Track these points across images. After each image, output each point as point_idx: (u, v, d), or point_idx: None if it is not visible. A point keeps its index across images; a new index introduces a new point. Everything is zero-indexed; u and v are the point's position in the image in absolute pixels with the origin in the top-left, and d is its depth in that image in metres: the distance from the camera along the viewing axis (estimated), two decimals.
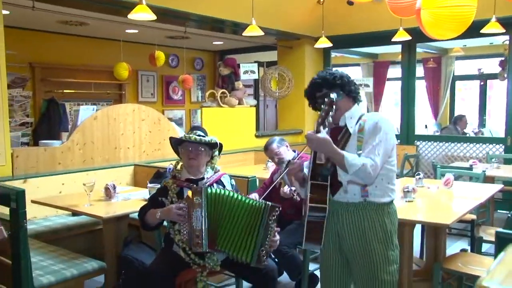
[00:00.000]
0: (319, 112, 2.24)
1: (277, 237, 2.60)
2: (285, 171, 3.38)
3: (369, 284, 2.20)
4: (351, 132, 2.19)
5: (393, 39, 5.47)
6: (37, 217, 4.12)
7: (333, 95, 2.08)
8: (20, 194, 2.24)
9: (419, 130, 8.01)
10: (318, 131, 2.08)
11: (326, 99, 2.08)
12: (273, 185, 3.11)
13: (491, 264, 0.76)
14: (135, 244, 3.44)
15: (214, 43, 8.29)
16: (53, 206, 3.49)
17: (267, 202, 2.57)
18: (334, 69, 2.34)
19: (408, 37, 5.35)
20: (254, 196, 3.51)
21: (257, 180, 3.96)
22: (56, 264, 2.86)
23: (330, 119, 2.10)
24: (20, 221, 2.22)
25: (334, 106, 2.07)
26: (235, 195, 2.65)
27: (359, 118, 2.22)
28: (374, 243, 2.17)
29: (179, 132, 5.38)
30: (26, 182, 3.99)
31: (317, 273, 3.64)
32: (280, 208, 2.58)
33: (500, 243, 0.81)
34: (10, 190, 2.27)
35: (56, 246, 3.28)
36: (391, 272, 2.20)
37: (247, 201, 2.61)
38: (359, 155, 2.13)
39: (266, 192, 2.91)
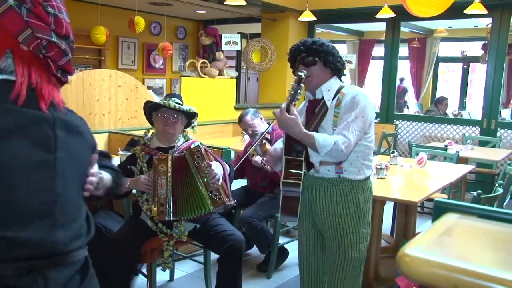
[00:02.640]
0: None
1: (215, 172, 2.57)
2: (257, 142, 3.37)
3: (337, 260, 2.19)
4: (328, 106, 2.12)
5: (377, 16, 5.41)
6: None
7: (301, 73, 2.00)
8: None
9: (399, 109, 8.03)
10: (288, 110, 1.98)
11: (295, 77, 2.00)
12: (245, 155, 3.08)
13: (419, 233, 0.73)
14: (104, 212, 3.40)
15: (197, 11, 8.11)
16: None
17: (185, 151, 2.60)
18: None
19: (392, 14, 5.28)
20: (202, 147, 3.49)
21: (232, 152, 3.92)
22: None
23: (298, 97, 2.02)
24: None
25: (302, 85, 1.99)
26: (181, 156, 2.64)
27: (337, 92, 2.15)
28: (346, 220, 2.16)
29: (157, 100, 5.28)
30: None
31: (288, 246, 3.67)
32: (200, 148, 2.58)
33: (437, 212, 0.78)
34: None
35: None
36: (360, 249, 2.19)
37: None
38: (334, 131, 2.07)
39: (239, 163, 2.89)
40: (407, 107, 10.05)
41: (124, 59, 8.17)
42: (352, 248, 2.17)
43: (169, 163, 2.58)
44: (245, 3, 5.06)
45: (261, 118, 3.63)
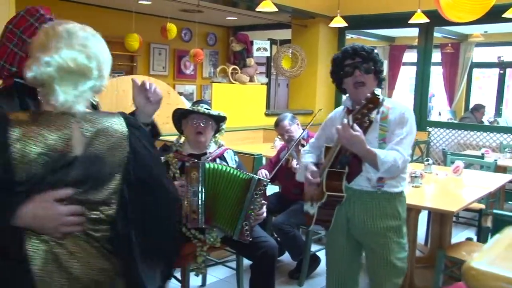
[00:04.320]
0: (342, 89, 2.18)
1: (263, 211, 2.56)
2: (293, 148, 3.36)
3: (381, 271, 2.18)
4: (372, 118, 2.01)
5: (410, 21, 5.33)
6: None
7: (378, 91, 1.84)
8: None
9: (432, 116, 7.88)
10: (352, 127, 1.90)
11: (367, 95, 1.85)
12: (281, 162, 3.07)
13: (484, 246, 0.71)
14: None
15: (227, 18, 8.17)
16: None
17: (255, 176, 2.53)
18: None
19: (425, 20, 5.20)
20: (264, 172, 3.48)
21: (263, 158, 3.91)
22: None
23: (373, 117, 1.90)
24: None
25: (379, 104, 1.84)
26: (231, 170, 2.61)
27: (381, 104, 2.06)
28: (387, 232, 2.14)
29: (188, 106, 5.33)
30: None
31: (320, 254, 3.63)
32: (268, 183, 2.55)
33: (497, 225, 0.76)
34: None
35: None
36: (401, 259, 2.18)
37: (238, 174, 2.56)
38: (379, 144, 2.05)
39: (275, 169, 2.87)
40: (439, 114, 9.85)
41: (155, 65, 8.30)
42: (396, 259, 2.15)
43: (201, 170, 2.57)
44: (276, 9, 5.07)
45: (297, 124, 3.61)
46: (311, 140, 2.49)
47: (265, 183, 2.51)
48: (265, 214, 2.58)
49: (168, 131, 5.07)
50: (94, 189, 1.24)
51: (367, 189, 2.14)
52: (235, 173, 2.58)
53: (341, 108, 2.32)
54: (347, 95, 2.24)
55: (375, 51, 2.15)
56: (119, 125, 1.30)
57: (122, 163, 1.27)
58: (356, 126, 1.90)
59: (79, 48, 1.29)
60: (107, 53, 1.40)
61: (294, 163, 3.37)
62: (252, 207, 2.50)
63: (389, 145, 2.05)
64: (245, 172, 2.65)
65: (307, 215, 2.33)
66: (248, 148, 4.83)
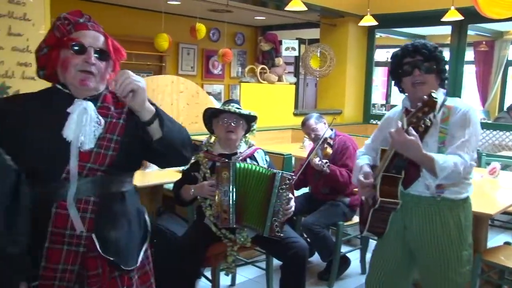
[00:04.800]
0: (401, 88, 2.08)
1: (291, 206, 2.57)
2: (319, 146, 3.33)
3: (438, 284, 2.05)
4: (432, 120, 1.91)
5: (443, 19, 5.21)
6: None
7: (436, 94, 1.73)
8: None
9: None
10: (406, 131, 1.78)
11: (424, 98, 1.74)
12: (306, 161, 3.04)
13: None
14: (168, 215, 3.46)
15: (256, 18, 8.16)
16: None
17: (279, 171, 2.58)
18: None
19: (459, 17, 5.07)
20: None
21: (293, 158, 3.89)
22: None
23: (428, 122, 1.81)
24: None
25: (436, 107, 1.75)
26: (258, 168, 2.63)
27: (442, 104, 1.98)
28: (446, 242, 1.99)
29: (217, 106, 5.35)
30: None
31: (350, 255, 3.58)
32: (293, 177, 2.56)
33: None
34: None
35: None
36: (463, 274, 2.02)
37: (262, 171, 2.61)
38: (439, 148, 1.92)
39: (301, 169, 2.86)
40: None
41: (184, 65, 8.36)
42: (455, 273, 2.00)
43: (231, 170, 2.58)
44: (305, 8, 5.03)
45: (324, 123, 3.58)
46: (367, 141, 2.38)
47: (289, 178, 2.53)
48: (293, 208, 2.58)
49: (196, 130, 5.12)
50: None
51: (425, 195, 2.00)
52: (260, 170, 2.62)
53: (399, 107, 2.18)
54: (406, 94, 2.11)
55: (439, 48, 2.00)
56: None
57: None
58: (411, 130, 1.79)
59: None
60: None
61: (316, 160, 3.32)
62: (279, 202, 2.52)
63: (449, 148, 1.90)
64: (270, 169, 2.67)
65: (360, 220, 2.26)
66: (277, 148, 4.80)
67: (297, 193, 3.57)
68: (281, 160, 3.68)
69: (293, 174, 2.65)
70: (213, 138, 2.89)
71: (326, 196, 3.48)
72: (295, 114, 6.47)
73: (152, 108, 1.49)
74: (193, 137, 4.82)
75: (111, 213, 1.54)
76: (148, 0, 6.72)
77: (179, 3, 6.85)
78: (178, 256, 2.66)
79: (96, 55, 1.51)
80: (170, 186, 3.68)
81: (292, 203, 2.58)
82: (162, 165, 1.83)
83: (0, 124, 1.50)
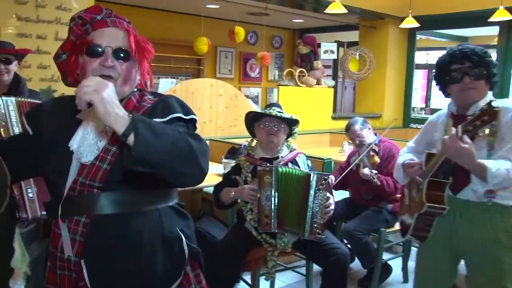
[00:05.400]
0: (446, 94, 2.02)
1: (330, 205, 2.53)
2: (365, 153, 3.26)
3: None
4: (485, 133, 1.83)
5: (491, 19, 5.03)
6: None
7: (497, 103, 1.65)
8: None
9: None
10: (461, 139, 1.73)
11: (483, 106, 1.68)
12: (350, 167, 3.00)
13: None
14: (207, 218, 3.48)
15: (294, 20, 8.13)
16: None
17: (314, 171, 2.55)
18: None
19: (509, 17, 4.88)
20: (330, 178, 3.41)
21: (333, 163, 3.83)
22: None
23: (487, 132, 1.75)
24: None
25: (496, 118, 1.67)
26: (296, 171, 2.61)
27: None
28: (498, 250, 1.91)
29: (256, 109, 5.35)
30: None
31: (392, 263, 3.50)
32: (329, 176, 2.54)
33: None
34: None
35: None
36: None
37: (298, 173, 2.59)
38: (488, 152, 1.86)
39: (344, 173, 2.82)
40: None
41: (221, 68, 8.42)
42: (509, 282, 1.91)
43: (274, 174, 2.57)
44: (345, 11, 4.97)
45: (369, 128, 3.50)
46: (409, 143, 2.35)
47: (325, 177, 2.50)
48: (332, 207, 2.55)
49: (235, 133, 5.14)
50: None
51: (474, 201, 1.93)
52: (296, 172, 2.60)
53: (443, 111, 2.13)
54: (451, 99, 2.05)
55: (488, 53, 1.94)
56: None
57: None
58: (466, 138, 1.73)
59: None
60: None
61: (365, 170, 3.26)
62: (316, 203, 2.49)
63: (500, 151, 1.84)
64: (304, 170, 2.66)
65: (402, 224, 2.21)
66: (315, 152, 4.75)
67: (337, 197, 3.51)
68: (320, 165, 3.64)
69: (328, 174, 2.62)
70: (254, 142, 2.89)
71: (368, 202, 3.41)
72: (333, 118, 6.40)
73: (126, 118, 1.15)
74: (231, 140, 4.85)
75: (104, 238, 1.30)
76: (188, 4, 6.79)
77: (217, 6, 6.89)
78: (218, 259, 2.65)
79: (115, 55, 1.34)
80: (210, 189, 3.71)
81: (331, 202, 2.55)
82: (161, 183, 1.34)
83: (33, 128, 1.43)
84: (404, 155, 2.26)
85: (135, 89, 1.43)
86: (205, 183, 3.39)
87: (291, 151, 2.85)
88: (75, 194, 1.30)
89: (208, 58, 8.05)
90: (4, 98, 1.93)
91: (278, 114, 2.71)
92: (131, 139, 1.14)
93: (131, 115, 1.17)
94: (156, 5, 7.12)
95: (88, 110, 1.22)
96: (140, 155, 1.14)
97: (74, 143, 1.30)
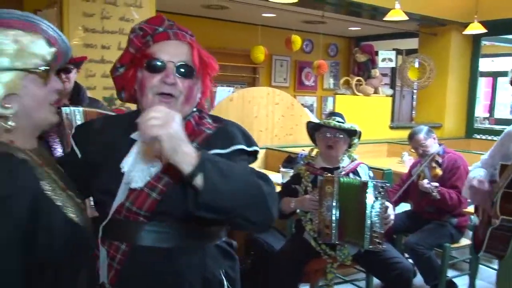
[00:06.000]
0: None
1: (389, 215, 2.45)
2: (426, 164, 3.14)
3: None
4: None
5: None
6: None
7: None
8: None
9: None
10: None
11: None
12: (412, 178, 2.90)
13: None
14: None
15: (350, 28, 8.03)
16: None
17: (371, 180, 2.51)
18: None
19: None
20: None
21: (392, 173, 3.72)
22: None
23: None
24: None
25: None
26: (353, 180, 2.58)
27: None
28: None
29: (312, 118, 5.30)
30: None
31: (457, 281, 3.33)
32: (386, 184, 2.47)
33: None
34: None
35: None
36: None
37: (354, 182, 2.55)
38: None
39: (405, 186, 2.73)
40: None
41: (277, 76, 8.43)
42: None
43: (336, 185, 2.52)
44: (406, 17, 4.84)
45: (434, 138, 3.37)
46: (483, 157, 2.26)
47: (383, 186, 2.44)
48: (392, 217, 2.48)
49: (291, 142, 5.11)
50: None
51: None
52: (353, 181, 2.56)
53: None
54: None
55: None
56: None
57: None
58: None
59: None
60: None
61: (424, 182, 3.14)
62: (374, 212, 2.43)
63: None
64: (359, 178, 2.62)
65: (476, 238, 2.12)
66: (372, 162, 4.61)
67: (398, 209, 3.40)
68: (380, 175, 3.53)
69: (386, 182, 2.54)
70: (314, 151, 2.85)
71: (431, 215, 3.27)
72: (391, 127, 6.24)
73: (193, 156, 1.06)
74: (288, 149, 4.80)
75: (142, 270, 1.19)
76: (244, 13, 6.86)
77: (274, 15, 6.92)
78: (276, 270, 2.63)
79: (178, 72, 1.22)
80: None
81: (390, 211, 2.48)
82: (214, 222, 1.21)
83: (81, 149, 1.32)
84: (475, 170, 2.16)
85: (195, 109, 1.31)
86: None
87: (352, 161, 2.79)
88: (120, 218, 1.20)
89: (263, 66, 8.09)
90: (72, 108, 1.95)
91: (337, 124, 2.66)
92: (198, 180, 1.04)
93: (199, 152, 1.07)
94: (214, 15, 7.25)
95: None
96: (208, 201, 1.05)
97: (125, 165, 1.19)
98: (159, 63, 1.21)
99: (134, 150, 1.20)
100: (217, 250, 1.28)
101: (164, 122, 1.04)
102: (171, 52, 1.23)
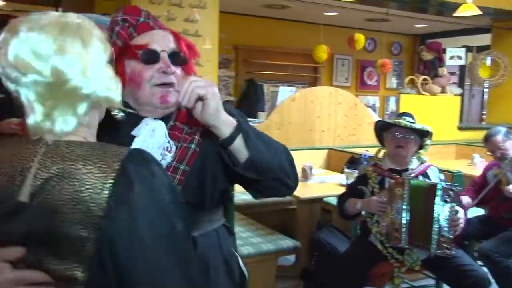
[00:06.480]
0: None
1: (459, 218, 2.33)
2: (508, 168, 2.95)
3: None
4: None
5: None
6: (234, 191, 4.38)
7: None
8: None
9: None
10: None
11: None
12: (492, 183, 2.74)
13: None
14: (327, 228, 3.40)
15: (415, 26, 7.76)
16: None
17: (439, 182, 2.41)
18: None
19: None
20: (466, 199, 3.14)
21: (463, 176, 3.54)
22: (254, 237, 2.97)
23: None
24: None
25: None
26: (421, 182, 2.47)
27: None
28: None
29: (376, 119, 5.16)
30: None
31: None
32: (457, 188, 2.36)
33: None
34: None
35: (253, 220, 3.41)
36: None
37: (423, 184, 2.46)
38: None
39: (486, 190, 2.58)
40: None
41: (338, 76, 8.31)
42: None
43: (406, 187, 2.42)
44: (479, 12, 4.60)
45: None
46: None
47: (453, 188, 2.34)
48: (461, 221, 2.36)
49: (354, 142, 5.00)
50: (48, 254, 0.82)
51: None
52: (422, 184, 2.46)
53: None
54: None
55: None
56: (96, 170, 0.82)
57: (90, 224, 0.80)
58: None
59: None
60: (91, 44, 0.90)
61: (510, 187, 2.94)
62: (443, 215, 2.33)
63: None
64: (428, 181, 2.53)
65: None
66: (439, 164, 4.41)
67: (470, 214, 3.22)
68: (449, 178, 3.37)
69: (456, 185, 2.43)
70: (382, 152, 2.76)
71: (508, 222, 3.07)
72: (459, 128, 5.96)
73: (232, 119, 1.12)
74: (351, 150, 4.71)
75: None
76: (306, 12, 6.81)
77: (336, 13, 6.82)
78: (340, 272, 2.58)
79: (172, 60, 1.18)
80: (329, 199, 3.63)
81: (461, 216, 2.36)
82: (257, 195, 1.26)
83: None
84: None
85: None
86: (326, 192, 3.35)
87: (421, 163, 2.67)
88: None
89: (324, 66, 8.00)
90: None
91: (408, 124, 2.55)
92: (238, 142, 1.10)
93: (235, 117, 1.13)
94: (275, 15, 7.25)
95: (147, 127, 1.15)
96: (254, 158, 1.10)
97: None
98: (156, 54, 1.17)
99: (136, 146, 1.14)
100: (224, 228, 1.30)
101: (207, 84, 1.09)
102: (161, 42, 1.18)
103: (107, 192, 0.80)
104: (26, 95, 0.84)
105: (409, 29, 8.39)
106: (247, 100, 7.15)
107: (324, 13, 6.82)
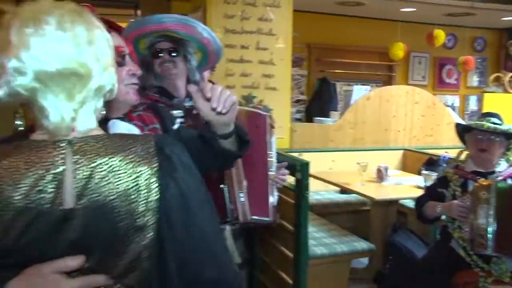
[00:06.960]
0: None
1: None
2: None
3: None
4: None
5: None
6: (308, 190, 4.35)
7: None
8: (305, 166, 2.32)
9: None
10: None
11: None
12: None
13: None
14: (403, 231, 3.29)
15: (503, 19, 7.26)
16: (328, 182, 3.59)
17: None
18: None
19: None
20: None
21: None
22: (327, 237, 2.93)
23: None
24: (303, 191, 2.30)
25: None
26: (503, 184, 2.31)
27: None
28: None
29: (456, 119, 4.91)
30: (301, 156, 4.22)
31: None
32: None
33: None
34: (296, 161, 2.38)
35: (326, 220, 3.36)
36: None
37: (506, 186, 2.33)
38: None
39: None
40: None
41: (414, 74, 7.98)
42: None
43: (492, 190, 2.27)
44: None
45: None
46: None
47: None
48: None
49: (431, 143, 4.79)
50: (108, 253, 0.82)
51: None
52: (509, 187, 2.33)
53: None
54: None
55: None
56: (137, 158, 0.83)
57: (148, 211, 0.82)
58: None
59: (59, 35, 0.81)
60: (101, 34, 0.88)
61: None
62: (493, 214, 2.22)
63: None
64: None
65: None
66: None
67: None
68: None
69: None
70: (464, 154, 2.60)
71: None
72: None
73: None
74: (428, 151, 4.51)
75: None
76: (381, 8, 6.60)
77: (414, 9, 6.55)
78: (419, 278, 2.47)
79: (131, 59, 1.25)
80: (405, 201, 3.50)
81: None
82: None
83: None
84: None
85: None
86: (402, 194, 3.25)
87: (510, 165, 2.49)
88: None
89: (400, 64, 7.71)
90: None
91: (491, 127, 2.38)
92: (230, 139, 1.32)
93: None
94: (349, 12, 7.10)
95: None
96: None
97: None
98: (125, 56, 1.21)
99: None
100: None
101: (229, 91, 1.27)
102: (117, 42, 1.15)
103: (156, 175, 0.84)
104: (52, 94, 0.81)
105: (495, 23, 7.86)
106: (320, 99, 7.06)
107: (401, 9, 6.57)
